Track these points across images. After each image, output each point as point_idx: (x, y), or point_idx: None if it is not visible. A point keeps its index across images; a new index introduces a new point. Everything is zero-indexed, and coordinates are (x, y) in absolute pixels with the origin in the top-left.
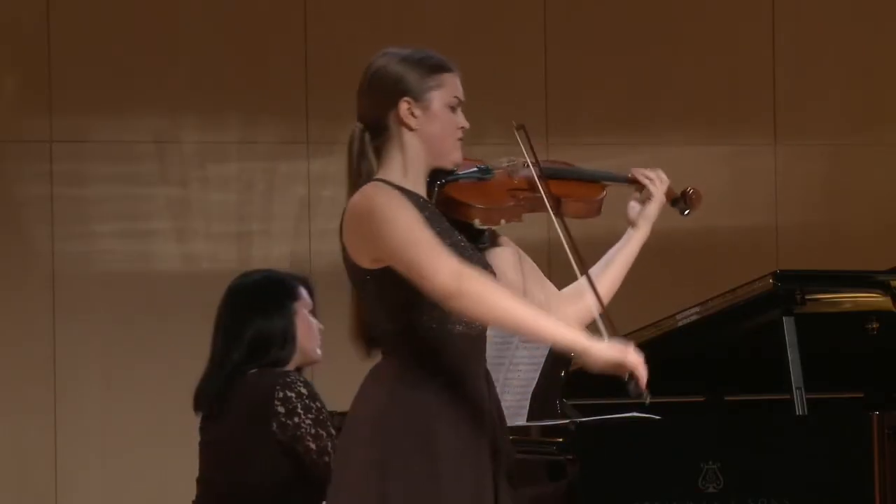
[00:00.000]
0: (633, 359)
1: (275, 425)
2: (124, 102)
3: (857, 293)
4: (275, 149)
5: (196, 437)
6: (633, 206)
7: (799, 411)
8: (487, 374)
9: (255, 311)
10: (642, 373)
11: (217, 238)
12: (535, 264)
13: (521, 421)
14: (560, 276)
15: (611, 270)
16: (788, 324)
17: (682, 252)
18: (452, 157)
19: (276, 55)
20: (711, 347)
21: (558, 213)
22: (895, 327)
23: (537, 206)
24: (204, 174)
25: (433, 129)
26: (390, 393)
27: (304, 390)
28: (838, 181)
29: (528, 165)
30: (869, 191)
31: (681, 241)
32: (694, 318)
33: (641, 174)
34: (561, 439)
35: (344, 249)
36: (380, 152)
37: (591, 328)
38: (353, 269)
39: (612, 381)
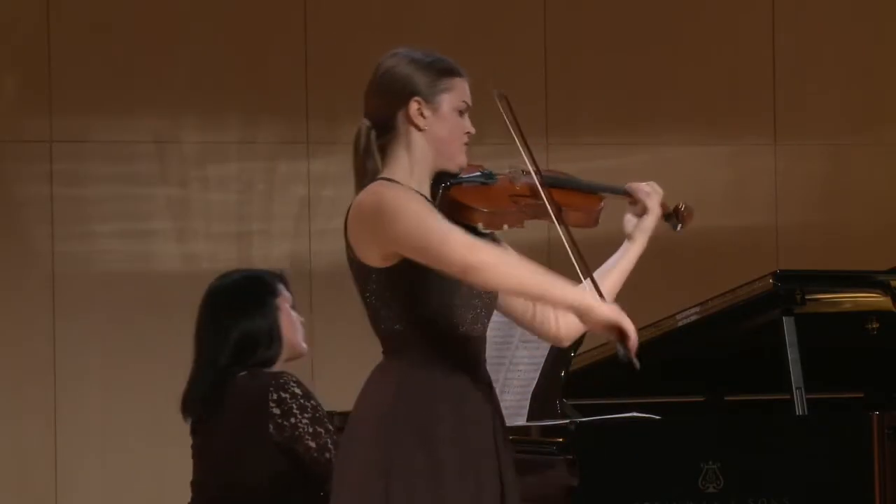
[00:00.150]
0: (628, 324)
1: (271, 427)
2: (124, 102)
3: (857, 293)
4: (275, 149)
5: None
6: (629, 220)
7: (799, 411)
8: (488, 373)
9: (237, 312)
10: (634, 339)
11: (217, 238)
12: None
13: (521, 421)
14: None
15: (605, 283)
16: (788, 324)
17: (682, 252)
18: (458, 160)
19: (276, 55)
20: (711, 347)
21: (560, 220)
22: (895, 327)
23: (539, 213)
24: (204, 174)
25: (441, 132)
26: (393, 393)
27: (297, 390)
28: (838, 181)
29: (528, 173)
30: (869, 191)
31: (681, 241)
32: (694, 318)
33: (637, 188)
34: (561, 439)
35: (349, 248)
36: (385, 151)
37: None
38: (359, 268)
39: (612, 382)
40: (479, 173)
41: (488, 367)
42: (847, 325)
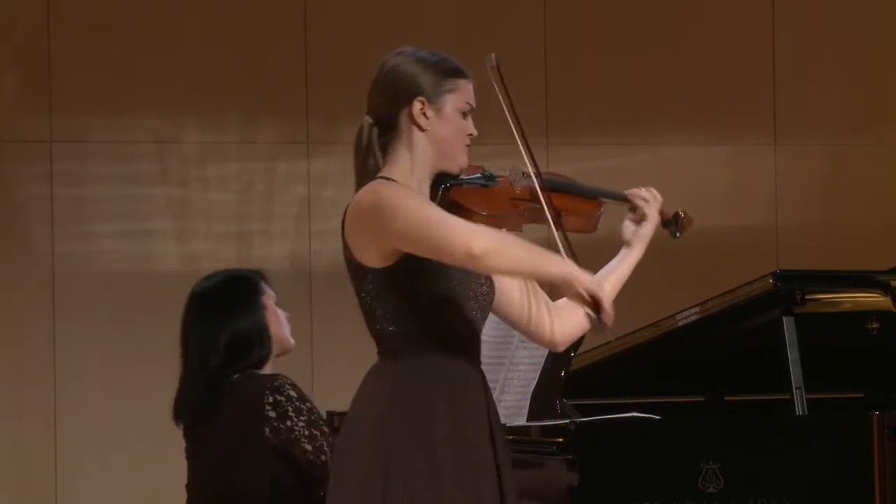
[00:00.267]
0: (606, 297)
1: (267, 430)
2: (124, 102)
3: (857, 293)
4: (275, 149)
5: None
6: (628, 226)
7: (799, 411)
8: (483, 375)
9: (226, 314)
10: (610, 310)
11: (217, 238)
12: None
13: (521, 421)
14: None
15: None
16: (788, 324)
17: (682, 252)
18: (459, 161)
19: (276, 55)
20: (711, 347)
21: (559, 225)
22: (895, 327)
23: (538, 217)
24: (204, 174)
25: (443, 132)
26: (389, 393)
27: (293, 393)
28: (838, 181)
29: (528, 176)
30: (869, 191)
31: (681, 241)
32: (694, 318)
33: (636, 195)
34: (561, 439)
35: (346, 248)
36: (386, 150)
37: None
38: (355, 268)
39: (612, 382)
40: (479, 175)
41: (488, 368)
42: (847, 325)
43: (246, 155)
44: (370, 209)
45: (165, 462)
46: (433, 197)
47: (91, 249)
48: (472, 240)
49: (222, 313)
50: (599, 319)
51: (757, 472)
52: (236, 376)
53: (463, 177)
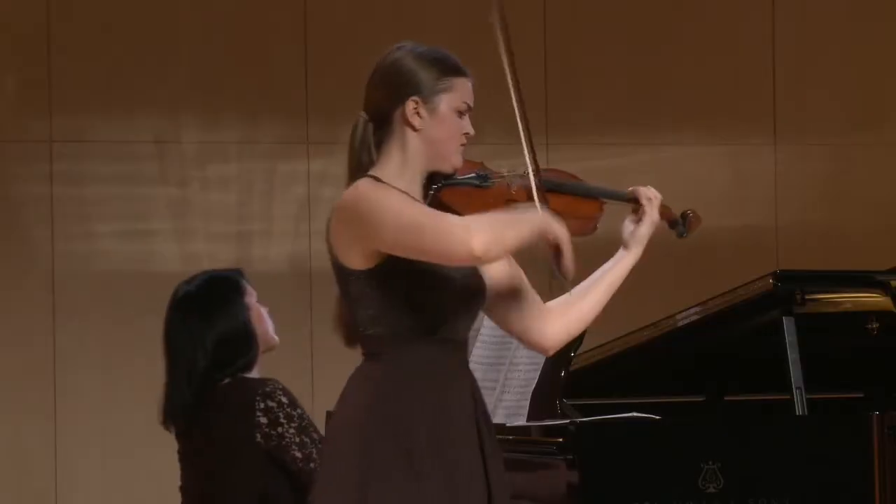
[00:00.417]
0: (569, 245)
1: (258, 436)
2: (124, 102)
3: (857, 293)
4: (275, 149)
5: None
6: (627, 226)
7: (799, 411)
8: (472, 377)
9: (210, 316)
10: (570, 262)
11: (217, 238)
12: (523, 274)
13: (521, 421)
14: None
15: (594, 290)
16: (788, 324)
17: (682, 252)
18: (452, 161)
19: (276, 55)
20: (711, 347)
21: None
22: (895, 327)
23: None
24: (204, 174)
25: (436, 132)
26: (372, 397)
27: (284, 399)
28: (838, 181)
29: (525, 176)
30: (869, 191)
31: (681, 241)
32: (694, 318)
33: (639, 193)
34: (561, 439)
35: (330, 249)
36: (380, 146)
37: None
38: (339, 270)
39: (612, 382)
40: (473, 175)
41: (488, 367)
42: (847, 325)
43: (246, 155)
44: (353, 211)
45: (165, 462)
46: (424, 196)
47: (91, 249)
48: (471, 241)
49: (206, 315)
50: (560, 265)
51: (757, 472)
52: (227, 381)
53: (457, 176)
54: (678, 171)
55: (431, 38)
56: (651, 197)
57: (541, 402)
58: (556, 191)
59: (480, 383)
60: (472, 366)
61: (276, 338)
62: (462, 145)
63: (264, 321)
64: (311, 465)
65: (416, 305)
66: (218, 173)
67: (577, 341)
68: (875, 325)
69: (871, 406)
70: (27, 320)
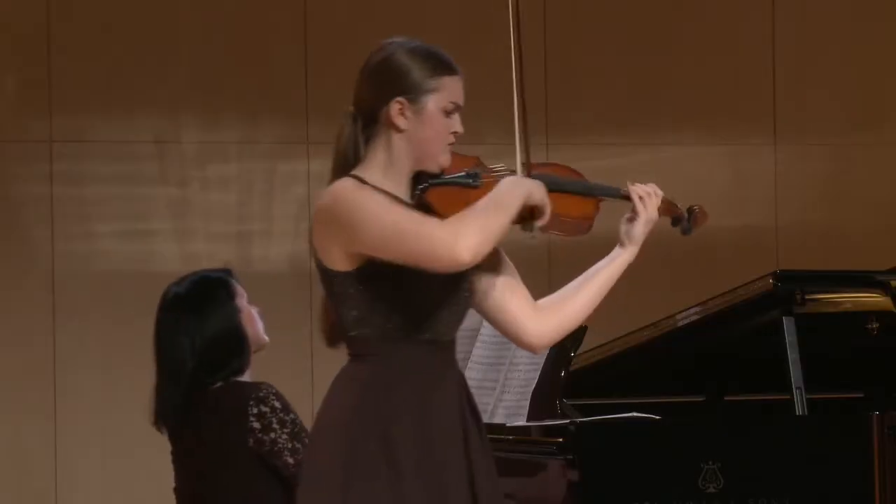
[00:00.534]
0: (548, 205)
1: (251, 441)
2: (124, 102)
3: (857, 293)
4: (275, 149)
5: None
6: (624, 224)
7: (799, 411)
8: (461, 377)
9: (200, 318)
10: (548, 212)
11: (217, 238)
12: (514, 269)
13: (521, 421)
14: (559, 276)
15: (586, 288)
16: (788, 324)
17: (682, 252)
18: (439, 160)
19: (276, 55)
20: (711, 347)
21: (546, 229)
22: (895, 327)
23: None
24: (204, 174)
25: (422, 133)
26: (357, 397)
27: (277, 403)
28: (838, 181)
29: (515, 173)
30: (869, 191)
31: (681, 240)
32: (694, 318)
33: (634, 191)
34: (561, 439)
35: (314, 252)
36: (368, 143)
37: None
38: (322, 272)
39: (612, 382)
40: (464, 173)
41: (488, 367)
42: (847, 325)
43: (246, 155)
44: (332, 214)
45: (165, 462)
46: (411, 196)
47: (91, 249)
48: (456, 248)
49: (196, 317)
50: (532, 226)
51: (757, 472)
52: (219, 384)
53: (446, 175)
54: (678, 171)
55: (431, 38)
56: (643, 196)
57: (541, 402)
58: (550, 190)
59: (480, 383)
60: (471, 366)
61: (266, 338)
62: (450, 144)
63: (255, 323)
64: None
65: (400, 306)
66: (218, 173)
67: (577, 341)
68: (875, 325)
69: (871, 406)
70: (27, 320)
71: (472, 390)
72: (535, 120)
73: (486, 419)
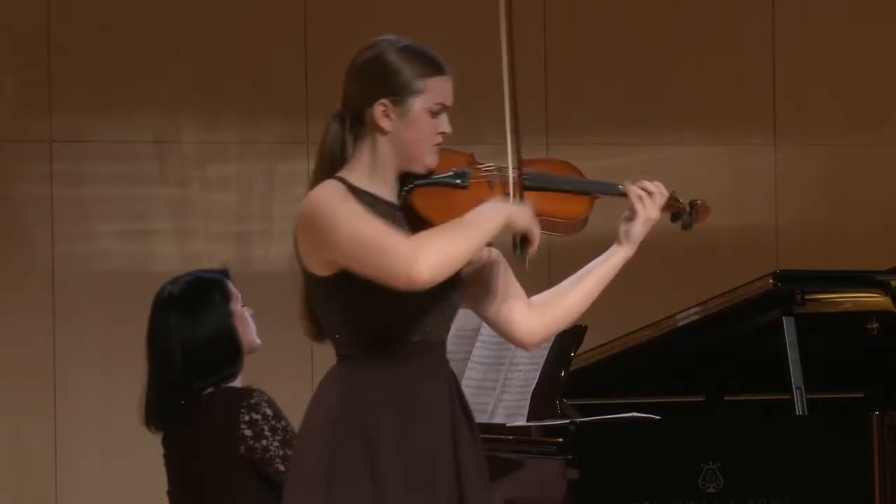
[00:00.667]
0: (537, 231)
1: (242, 448)
2: (124, 102)
3: (857, 293)
4: (275, 149)
5: None
6: (623, 222)
7: (799, 411)
8: (452, 376)
9: (193, 320)
10: (536, 245)
11: (217, 238)
12: (508, 266)
13: (521, 421)
14: (559, 276)
15: (581, 286)
16: (788, 324)
17: (681, 252)
18: (425, 161)
19: (276, 55)
20: (711, 347)
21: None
22: (895, 327)
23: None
24: (204, 174)
25: (407, 135)
26: (342, 398)
27: (269, 411)
28: (838, 181)
29: (505, 170)
30: (869, 191)
31: (681, 240)
32: (694, 318)
33: (633, 189)
34: (561, 439)
35: (297, 255)
36: (355, 144)
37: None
38: (305, 274)
39: (612, 382)
40: (451, 173)
41: (488, 367)
42: (847, 325)
43: (246, 155)
44: (311, 220)
45: None
46: (398, 197)
47: (91, 249)
48: (412, 269)
49: (189, 318)
50: (523, 251)
51: (757, 472)
52: (210, 390)
53: (435, 175)
54: (678, 171)
55: (431, 38)
56: (643, 195)
57: (541, 402)
58: (543, 189)
59: (480, 383)
60: (471, 366)
61: (258, 340)
62: (437, 145)
63: (248, 326)
64: None
65: (384, 309)
66: (218, 173)
67: (577, 341)
68: (875, 325)
69: (871, 406)
70: (27, 320)
71: (473, 390)
72: (535, 120)
73: (486, 419)
